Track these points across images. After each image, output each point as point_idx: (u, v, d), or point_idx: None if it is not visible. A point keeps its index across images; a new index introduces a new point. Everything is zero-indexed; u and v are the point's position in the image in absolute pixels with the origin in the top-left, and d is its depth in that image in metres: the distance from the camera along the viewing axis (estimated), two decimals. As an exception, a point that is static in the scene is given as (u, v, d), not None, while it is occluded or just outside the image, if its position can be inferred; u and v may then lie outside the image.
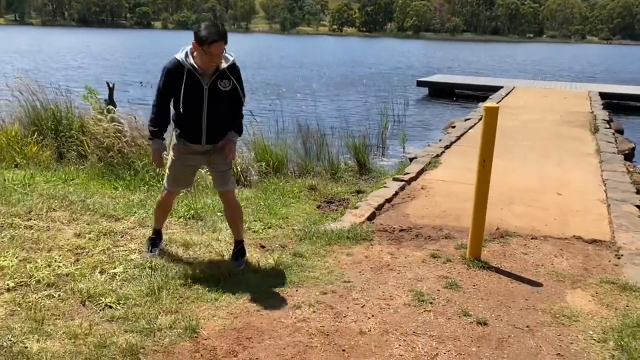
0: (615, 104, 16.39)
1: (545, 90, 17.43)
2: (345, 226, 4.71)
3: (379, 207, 5.43)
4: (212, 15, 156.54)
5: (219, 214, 5.08)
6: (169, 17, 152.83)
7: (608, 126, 10.45)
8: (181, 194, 5.58)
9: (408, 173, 6.72)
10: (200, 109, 3.59)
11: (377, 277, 3.75)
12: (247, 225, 4.79)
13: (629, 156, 9.26)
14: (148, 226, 4.55)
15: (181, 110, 3.57)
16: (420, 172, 6.84)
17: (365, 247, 4.32)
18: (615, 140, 9.29)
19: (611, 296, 3.53)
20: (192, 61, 3.48)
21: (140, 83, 20.67)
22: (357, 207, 5.38)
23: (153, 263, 3.75)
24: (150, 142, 3.78)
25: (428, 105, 17.68)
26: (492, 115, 3.79)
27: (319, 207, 5.75)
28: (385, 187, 6.17)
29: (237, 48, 55.43)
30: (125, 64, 30.63)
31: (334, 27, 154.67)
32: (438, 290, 3.56)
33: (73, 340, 2.79)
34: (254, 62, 35.61)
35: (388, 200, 5.69)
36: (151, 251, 3.95)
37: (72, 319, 3.04)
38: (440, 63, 39.49)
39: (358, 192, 6.57)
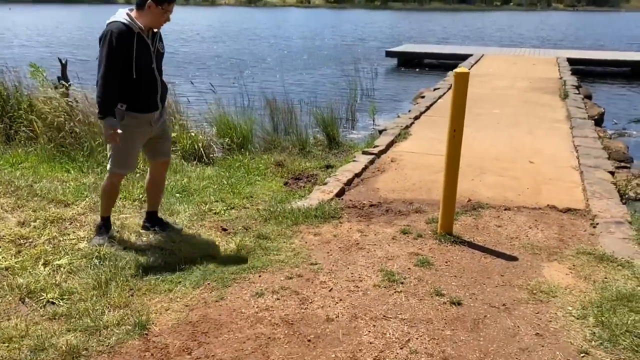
0: (582, 70, 16.41)
1: (514, 57, 17.33)
2: (313, 204, 4.46)
3: (348, 183, 5.20)
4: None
5: (177, 195, 4.79)
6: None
7: (577, 92, 10.37)
8: (137, 175, 5.27)
9: (377, 146, 6.49)
10: (153, 72, 3.46)
11: (346, 257, 3.53)
12: (207, 206, 4.52)
13: (598, 121, 9.20)
14: (99, 211, 4.24)
15: (134, 76, 3.34)
16: (390, 145, 6.63)
17: (333, 225, 4.09)
18: (585, 106, 9.21)
19: (589, 268, 3.38)
20: (139, 24, 3.32)
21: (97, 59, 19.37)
22: (325, 183, 5.14)
23: (102, 252, 3.45)
24: (102, 120, 3.41)
25: (397, 75, 17.39)
26: (462, 82, 3.56)
27: (286, 184, 5.49)
28: (354, 161, 5.93)
29: (198, 21, 53.77)
30: (80, 40, 29.37)
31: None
32: (409, 268, 3.36)
33: (7, 345, 2.50)
34: (215, 36, 34.67)
35: (357, 175, 5.46)
36: (100, 238, 3.64)
37: (7, 318, 2.74)
38: (409, 33, 39.09)
39: (327, 167, 6.33)
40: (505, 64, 15.41)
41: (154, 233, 3.83)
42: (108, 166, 3.59)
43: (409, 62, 19.08)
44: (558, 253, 3.61)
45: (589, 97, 11.46)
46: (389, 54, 19.47)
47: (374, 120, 9.93)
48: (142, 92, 3.43)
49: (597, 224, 4.11)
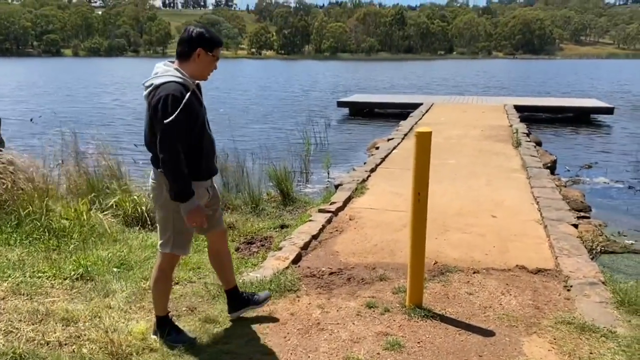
0: (528, 116, 16.90)
1: (464, 105, 17.70)
2: (267, 275, 4.05)
3: (305, 246, 4.82)
4: (126, 41, 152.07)
5: (114, 270, 4.27)
6: (79, 44, 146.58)
7: (528, 139, 10.50)
8: (71, 247, 4.74)
9: (334, 202, 6.18)
10: (209, 132, 3.00)
11: (306, 342, 3.11)
12: (149, 282, 4.02)
13: (552, 169, 9.26)
14: (23, 294, 3.69)
15: (197, 141, 2.85)
16: (347, 201, 6.33)
17: (290, 300, 3.68)
18: (537, 153, 9.27)
19: (571, 341, 3.09)
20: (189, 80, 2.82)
21: (31, 120, 17.34)
22: (280, 248, 4.74)
23: (19, 352, 2.90)
24: (182, 203, 2.77)
25: (350, 125, 17.38)
26: (424, 142, 3.30)
27: (237, 249, 5.06)
28: (310, 220, 5.58)
29: (140, 73, 53.80)
30: (25, 96, 28.38)
31: (253, 50, 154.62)
32: (378, 353, 2.97)
33: None
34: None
35: (314, 237, 5.10)
36: (182, 339, 3.06)
37: None
38: (358, 82, 39.90)
39: (282, 226, 5.96)
40: (455, 112, 15.67)
41: (85, 321, 3.31)
42: (165, 249, 2.97)
43: (361, 112, 19.20)
44: (536, 324, 3.32)
45: (538, 143, 11.65)
46: (341, 104, 19.56)
47: (328, 173, 9.67)
48: (204, 157, 2.92)
49: (571, 286, 3.87)
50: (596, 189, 8.65)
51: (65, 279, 4.04)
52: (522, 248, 4.73)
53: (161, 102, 2.66)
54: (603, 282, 3.93)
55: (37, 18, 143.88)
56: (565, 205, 5.91)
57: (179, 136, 2.69)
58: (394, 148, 9.73)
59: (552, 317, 3.40)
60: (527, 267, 4.25)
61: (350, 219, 5.75)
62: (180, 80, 2.74)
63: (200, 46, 2.81)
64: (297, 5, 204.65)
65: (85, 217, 5.32)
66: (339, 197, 6.44)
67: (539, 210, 5.83)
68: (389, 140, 10.92)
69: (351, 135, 15.28)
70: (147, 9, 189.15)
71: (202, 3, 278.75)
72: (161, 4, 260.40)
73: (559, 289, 3.86)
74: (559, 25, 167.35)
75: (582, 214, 6.68)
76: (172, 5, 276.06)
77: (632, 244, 5.92)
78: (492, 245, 4.81)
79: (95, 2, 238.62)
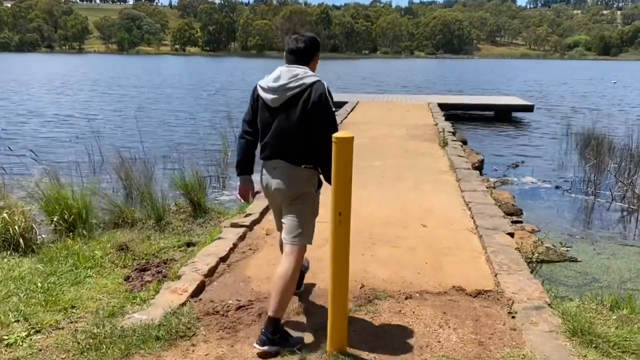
0: (452, 114, 16.89)
1: (389, 104, 17.43)
2: (156, 316, 3.25)
3: (210, 272, 4.05)
4: (39, 36, 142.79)
5: None
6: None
7: (454, 138, 10.22)
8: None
9: (250, 214, 5.45)
10: None
11: (195, 415, 2.37)
12: (2, 331, 3.12)
13: (479, 168, 9.00)
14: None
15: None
16: (265, 211, 5.61)
17: (182, 351, 2.91)
18: (464, 153, 8.97)
19: (525, 390, 2.54)
20: None
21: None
22: (179, 277, 3.94)
23: None
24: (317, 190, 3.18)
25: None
26: (345, 149, 2.64)
27: (127, 279, 4.19)
28: (220, 238, 4.81)
29: (54, 69, 50.08)
30: None
31: (176, 46, 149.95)
32: None
33: None
34: (65, 83, 32.16)
35: (223, 259, 4.34)
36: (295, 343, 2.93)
37: None
38: (284, 80, 39.13)
39: (188, 244, 5.13)
40: (380, 110, 15.32)
41: None
42: (307, 240, 3.09)
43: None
44: (482, 367, 2.75)
45: (464, 142, 11.44)
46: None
47: (248, 178, 8.89)
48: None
49: (516, 312, 3.36)
50: (525, 190, 8.43)
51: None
52: (458, 264, 4.21)
53: (323, 97, 2.92)
54: (549, 304, 3.46)
55: None
56: (499, 211, 5.49)
57: (336, 126, 2.96)
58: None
59: (499, 356, 2.85)
60: (465, 289, 3.71)
61: (267, 234, 5.05)
62: (320, 79, 2.99)
63: (317, 50, 3.13)
64: (222, 1, 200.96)
65: None
66: (256, 207, 5.71)
67: (472, 217, 5.38)
68: (251, 201, 10.27)
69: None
70: (62, 2, 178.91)
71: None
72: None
73: (502, 316, 3.33)
74: (476, 26, 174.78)
75: (514, 218, 6.34)
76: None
77: (567, 250, 5.61)
78: (424, 262, 4.26)
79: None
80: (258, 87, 3.08)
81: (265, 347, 2.82)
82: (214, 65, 71.65)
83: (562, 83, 39.59)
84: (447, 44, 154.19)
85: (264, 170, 3.14)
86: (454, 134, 10.97)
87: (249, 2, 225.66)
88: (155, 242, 5.22)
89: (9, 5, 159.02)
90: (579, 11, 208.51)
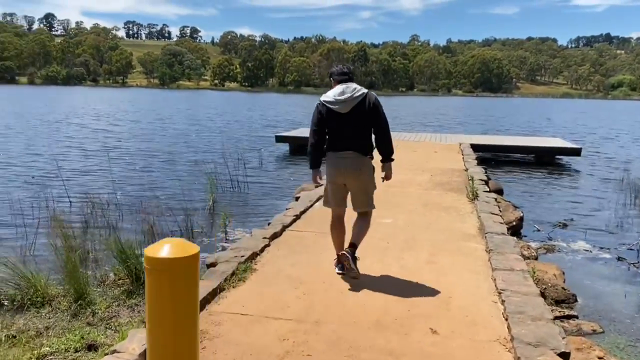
0: (486, 157, 15.10)
1: (415, 144, 15.76)
2: None
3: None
4: (85, 70, 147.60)
5: None
6: (36, 72, 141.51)
7: (487, 188, 8.46)
8: None
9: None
10: None
11: None
12: None
13: (517, 229, 7.22)
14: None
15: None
16: (212, 296, 4.04)
17: None
18: (499, 208, 7.22)
19: None
20: None
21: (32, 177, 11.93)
22: None
23: None
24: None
25: (287, 164, 15.10)
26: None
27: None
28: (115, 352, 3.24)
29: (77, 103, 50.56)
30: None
31: (216, 81, 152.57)
32: None
33: None
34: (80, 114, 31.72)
35: (102, 392, 2.75)
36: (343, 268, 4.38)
37: None
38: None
39: (90, 347, 3.61)
40: (404, 151, 13.64)
41: None
42: (371, 206, 4.53)
43: (303, 149, 16.98)
44: None
45: (499, 191, 9.67)
46: (280, 139, 17.28)
47: (226, 234, 7.29)
48: None
49: None
50: (577, 261, 6.51)
51: None
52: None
53: (377, 101, 4.21)
54: None
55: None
56: (546, 310, 3.74)
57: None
58: (318, 199, 7.52)
59: None
60: None
61: (202, 338, 3.45)
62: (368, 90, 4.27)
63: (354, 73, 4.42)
64: (262, 39, 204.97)
65: None
66: (202, 288, 4.13)
67: (506, 319, 3.66)
68: (317, 186, 8.71)
69: (285, 176, 12.90)
70: (109, 38, 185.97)
71: (167, 35, 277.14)
72: (124, 35, 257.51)
73: None
74: (516, 65, 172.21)
75: (565, 310, 4.55)
76: (135, 36, 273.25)
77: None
78: (422, 415, 2.57)
79: (57, 30, 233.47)
80: (323, 103, 4.15)
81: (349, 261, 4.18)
82: (250, 99, 71.56)
83: (610, 125, 36.83)
84: (485, 82, 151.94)
85: (334, 159, 4.24)
86: (486, 182, 9.21)
87: (288, 39, 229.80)
88: (51, 337, 3.71)
89: (59, 41, 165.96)
90: (622, 51, 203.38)
